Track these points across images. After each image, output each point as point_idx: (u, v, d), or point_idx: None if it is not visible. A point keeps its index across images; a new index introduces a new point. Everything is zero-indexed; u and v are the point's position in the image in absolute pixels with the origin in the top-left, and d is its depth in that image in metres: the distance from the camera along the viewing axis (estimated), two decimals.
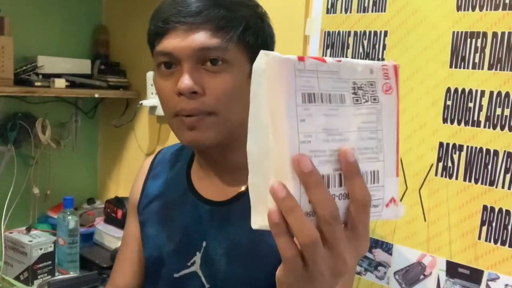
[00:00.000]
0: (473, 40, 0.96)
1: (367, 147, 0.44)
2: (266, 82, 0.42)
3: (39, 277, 1.39)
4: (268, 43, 0.81)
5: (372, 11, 1.10)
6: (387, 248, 1.09)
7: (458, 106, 0.98)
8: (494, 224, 0.95)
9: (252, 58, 0.58)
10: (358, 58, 1.12)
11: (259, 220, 0.44)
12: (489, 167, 0.95)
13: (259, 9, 0.82)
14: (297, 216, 0.41)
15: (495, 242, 0.95)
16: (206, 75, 0.75)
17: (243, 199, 0.83)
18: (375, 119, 0.45)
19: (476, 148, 0.97)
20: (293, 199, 0.41)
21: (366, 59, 1.11)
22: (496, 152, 0.94)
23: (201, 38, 0.74)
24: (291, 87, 0.42)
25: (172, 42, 0.75)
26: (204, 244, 0.84)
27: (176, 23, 0.75)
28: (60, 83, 1.56)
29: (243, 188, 0.84)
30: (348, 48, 1.14)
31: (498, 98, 0.93)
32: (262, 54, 0.42)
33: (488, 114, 0.95)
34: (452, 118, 0.99)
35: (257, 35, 0.79)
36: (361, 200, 0.43)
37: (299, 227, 0.41)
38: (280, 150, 0.41)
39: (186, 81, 0.74)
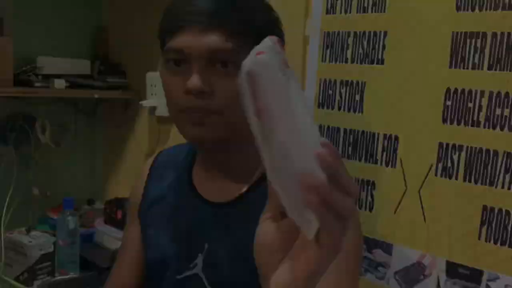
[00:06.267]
0: (473, 40, 0.96)
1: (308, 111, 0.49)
2: (269, 84, 0.45)
3: (39, 277, 1.39)
4: None
5: (372, 12, 1.10)
6: (387, 248, 1.09)
7: (457, 106, 0.98)
8: (494, 224, 0.95)
9: None
10: (358, 59, 1.13)
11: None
12: (489, 167, 0.95)
13: (273, 14, 0.82)
14: (346, 175, 0.44)
15: (495, 242, 0.95)
16: (216, 76, 0.75)
17: (245, 200, 0.83)
18: (299, 87, 0.49)
19: (476, 148, 0.97)
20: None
21: (365, 59, 1.11)
22: (496, 152, 0.94)
23: (215, 40, 0.74)
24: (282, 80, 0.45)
25: (185, 40, 0.75)
26: (206, 246, 0.84)
27: (192, 22, 0.74)
28: (60, 83, 1.55)
29: (245, 189, 0.84)
30: (348, 48, 1.14)
31: (498, 98, 0.93)
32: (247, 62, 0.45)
33: (488, 114, 0.95)
34: (452, 118, 0.99)
35: None
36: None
37: (349, 183, 0.44)
38: (301, 147, 0.44)
39: (195, 81, 0.74)
